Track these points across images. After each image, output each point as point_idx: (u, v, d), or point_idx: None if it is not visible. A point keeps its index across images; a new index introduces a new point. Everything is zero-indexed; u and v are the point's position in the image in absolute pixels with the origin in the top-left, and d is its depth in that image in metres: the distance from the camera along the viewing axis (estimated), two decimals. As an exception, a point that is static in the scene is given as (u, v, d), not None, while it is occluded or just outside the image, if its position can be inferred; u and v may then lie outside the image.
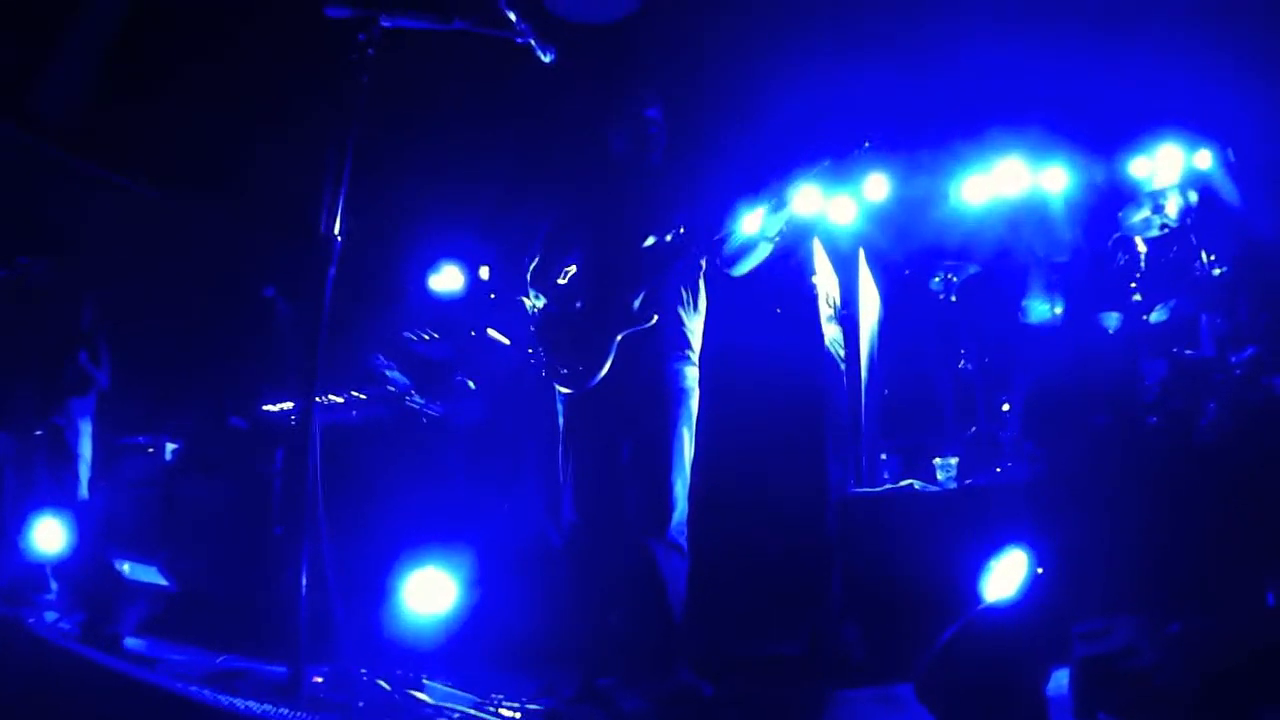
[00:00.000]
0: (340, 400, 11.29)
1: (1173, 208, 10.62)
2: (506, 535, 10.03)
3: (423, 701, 6.02)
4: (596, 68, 8.90)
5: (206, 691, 4.67)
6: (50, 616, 8.69)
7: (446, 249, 13.33)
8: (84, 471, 12.32)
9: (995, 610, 5.86)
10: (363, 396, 11.44)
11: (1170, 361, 9.88)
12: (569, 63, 6.55)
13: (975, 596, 6.56)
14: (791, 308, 9.52)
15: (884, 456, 10.82)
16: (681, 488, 7.06)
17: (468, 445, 11.63)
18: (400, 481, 10.64)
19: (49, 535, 9.78)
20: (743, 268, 7.46)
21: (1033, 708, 5.27)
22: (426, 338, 12.61)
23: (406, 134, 11.02)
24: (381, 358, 11.96)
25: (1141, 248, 10.66)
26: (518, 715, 6.05)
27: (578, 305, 7.32)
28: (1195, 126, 11.13)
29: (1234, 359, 9.46)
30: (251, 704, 4.57)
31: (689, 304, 7.38)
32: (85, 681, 4.31)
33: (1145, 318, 10.39)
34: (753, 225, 7.16)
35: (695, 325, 7.41)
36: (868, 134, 7.38)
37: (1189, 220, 10.56)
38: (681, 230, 7.28)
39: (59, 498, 11.89)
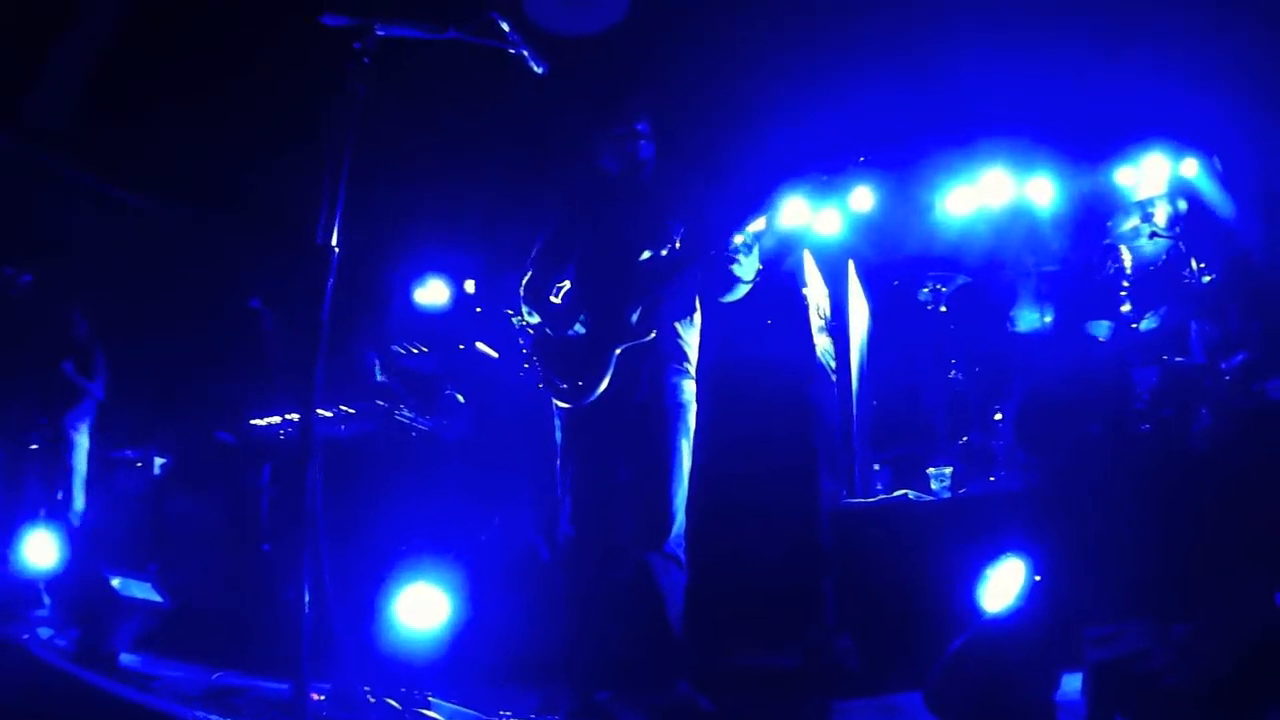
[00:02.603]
0: (329, 414, 11.25)
1: (1161, 216, 10.66)
2: (497, 549, 10.01)
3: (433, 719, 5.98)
4: (584, 82, 8.86)
5: (211, 716, 4.62)
6: (45, 633, 8.64)
7: (432, 262, 13.31)
8: (78, 485, 12.23)
9: (999, 619, 5.85)
10: (351, 410, 11.41)
11: (1161, 369, 9.88)
12: (557, 77, 6.52)
13: (972, 606, 6.54)
14: (783, 319, 9.53)
15: (877, 467, 10.83)
16: (680, 500, 7.03)
17: (457, 459, 11.62)
18: (390, 495, 10.63)
19: (41, 549, 9.70)
20: (730, 297, 7.45)
21: (1041, 713, 5.27)
22: (415, 351, 12.59)
23: (391, 146, 10.98)
24: (374, 355, 11.98)
25: (1129, 257, 10.66)
26: (526, 730, 6.02)
27: (575, 320, 7.28)
28: (1181, 136, 11.13)
29: (1224, 365, 9.48)
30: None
31: (686, 317, 7.36)
32: (83, 704, 4.26)
33: (1135, 326, 10.39)
34: (745, 241, 7.14)
35: (692, 338, 7.39)
36: (862, 149, 7.40)
37: (1178, 228, 10.58)
38: (678, 244, 7.26)
39: (51, 511, 11.83)
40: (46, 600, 9.56)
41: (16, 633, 8.24)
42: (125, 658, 8.30)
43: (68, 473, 12.21)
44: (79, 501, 12.20)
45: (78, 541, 11.03)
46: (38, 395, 12.46)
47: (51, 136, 12.29)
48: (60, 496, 12.12)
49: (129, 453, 12.87)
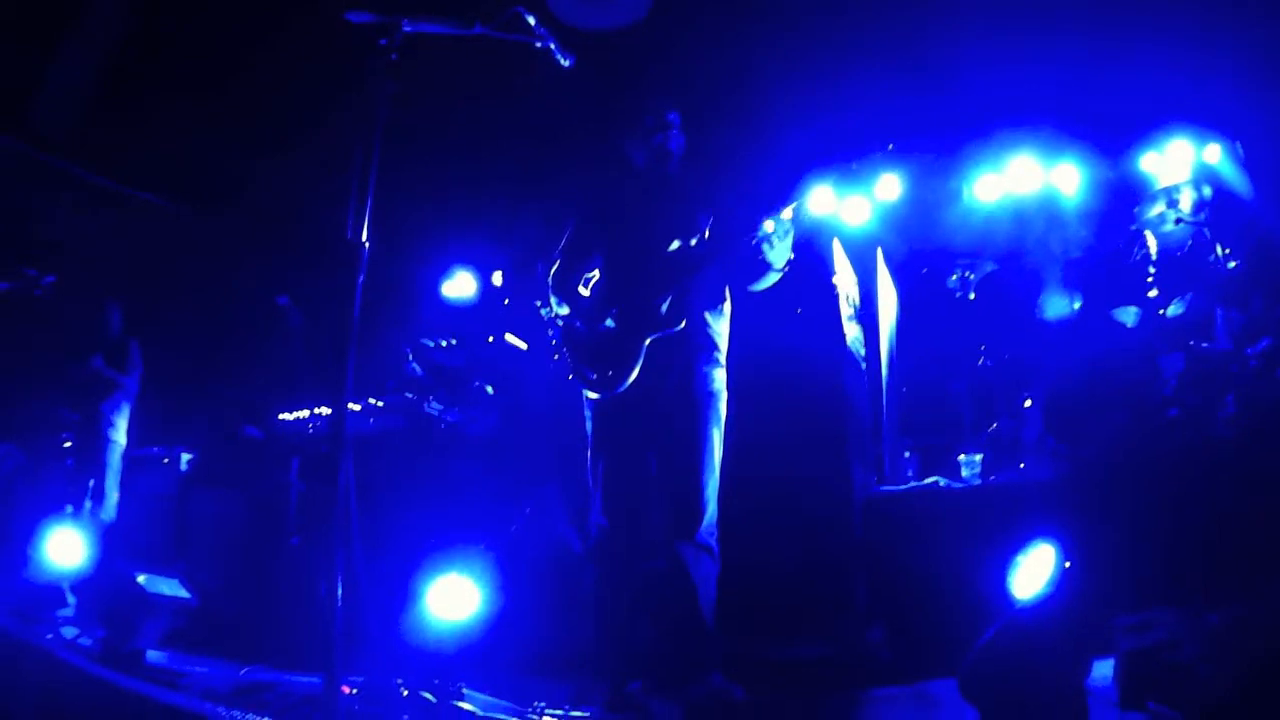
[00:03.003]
0: (357, 408, 11.25)
1: (1187, 202, 10.64)
2: (528, 541, 10.01)
3: (468, 713, 5.98)
4: (610, 75, 8.88)
5: (239, 713, 4.61)
6: (70, 633, 8.63)
7: (459, 255, 13.30)
8: (111, 483, 12.17)
9: (1031, 607, 5.85)
10: (380, 404, 11.41)
11: (1187, 355, 9.87)
12: (583, 69, 6.52)
13: (1003, 593, 6.52)
14: (813, 308, 9.53)
15: (907, 455, 10.82)
16: (712, 490, 7.05)
17: (485, 451, 11.61)
18: (418, 488, 10.62)
19: (66, 548, 9.66)
20: (761, 285, 7.45)
21: (1072, 700, 5.27)
22: (444, 344, 12.58)
23: (416, 139, 10.99)
24: (408, 349, 11.98)
25: (1154, 243, 10.65)
26: (563, 724, 6.02)
27: (604, 312, 7.30)
28: (1204, 122, 11.11)
29: (1249, 351, 9.45)
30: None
31: (715, 307, 7.37)
32: (107, 706, 4.25)
33: (1162, 312, 10.38)
34: (777, 228, 7.12)
35: (722, 328, 7.40)
36: (888, 137, 7.39)
37: (1203, 214, 10.57)
38: (707, 234, 7.27)
39: (78, 509, 11.80)
40: (71, 600, 9.55)
41: (40, 634, 8.23)
42: (152, 655, 8.31)
43: (101, 470, 12.14)
44: (111, 500, 12.15)
45: (104, 540, 11.01)
46: (68, 392, 12.43)
47: (61, 138, 12.32)
48: (91, 495, 12.09)
49: (155, 450, 12.85)
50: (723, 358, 7.36)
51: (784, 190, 7.21)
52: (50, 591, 9.58)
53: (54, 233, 13.17)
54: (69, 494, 11.98)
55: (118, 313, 12.77)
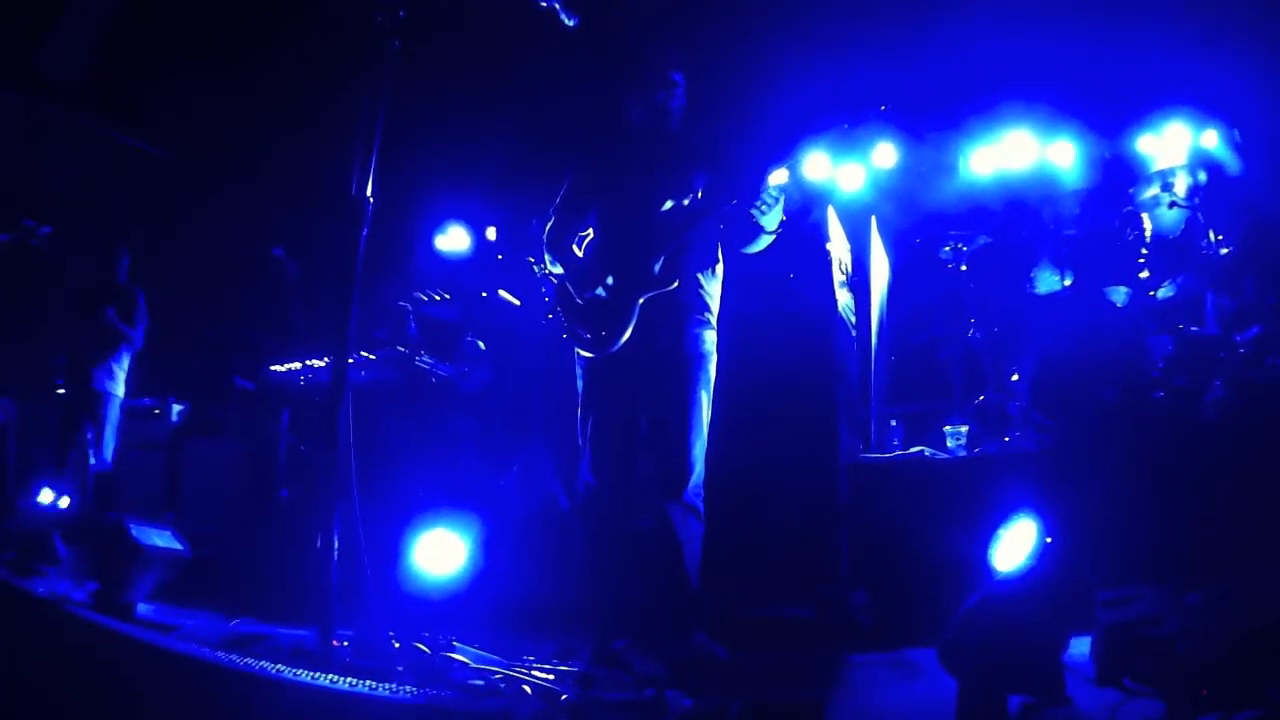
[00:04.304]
0: (350, 360, 11.27)
1: (1181, 186, 10.69)
2: (517, 496, 10.06)
3: (461, 664, 6.02)
4: (609, 32, 8.88)
5: (244, 659, 4.63)
6: (61, 586, 8.65)
7: (453, 210, 13.31)
8: (109, 435, 12.15)
9: (1011, 579, 5.91)
10: (371, 356, 11.44)
11: (1176, 338, 9.91)
12: (585, 29, 6.54)
13: (984, 564, 6.59)
14: (806, 273, 9.56)
15: (893, 423, 10.87)
16: (699, 451, 7.11)
17: (476, 406, 11.66)
18: (409, 441, 10.65)
19: (58, 500, 9.66)
20: (753, 248, 7.48)
21: (1049, 672, 5.34)
22: (437, 298, 12.61)
23: (412, 94, 11.00)
24: (408, 306, 12.00)
25: (1149, 224, 10.70)
26: (551, 677, 6.06)
27: (599, 269, 7.32)
28: (1202, 106, 11.16)
29: (1239, 338, 9.51)
30: (316, 675, 4.52)
31: (708, 268, 7.40)
32: (104, 654, 4.27)
33: (1152, 293, 10.43)
34: (769, 191, 7.14)
35: (714, 289, 7.43)
36: (883, 100, 7.44)
37: (1197, 199, 10.62)
38: (701, 194, 7.32)
39: (72, 461, 11.78)
40: (62, 551, 9.57)
41: (32, 587, 8.22)
42: (142, 608, 8.36)
43: (99, 422, 12.14)
44: (108, 452, 12.15)
45: (97, 492, 11.03)
46: (73, 343, 12.42)
47: (67, 87, 12.32)
48: (87, 446, 12.08)
49: (146, 400, 12.85)
50: (714, 319, 7.40)
51: (777, 151, 7.25)
52: (41, 544, 9.60)
53: (55, 182, 13.16)
54: (63, 446, 11.99)
55: (126, 260, 12.75)
